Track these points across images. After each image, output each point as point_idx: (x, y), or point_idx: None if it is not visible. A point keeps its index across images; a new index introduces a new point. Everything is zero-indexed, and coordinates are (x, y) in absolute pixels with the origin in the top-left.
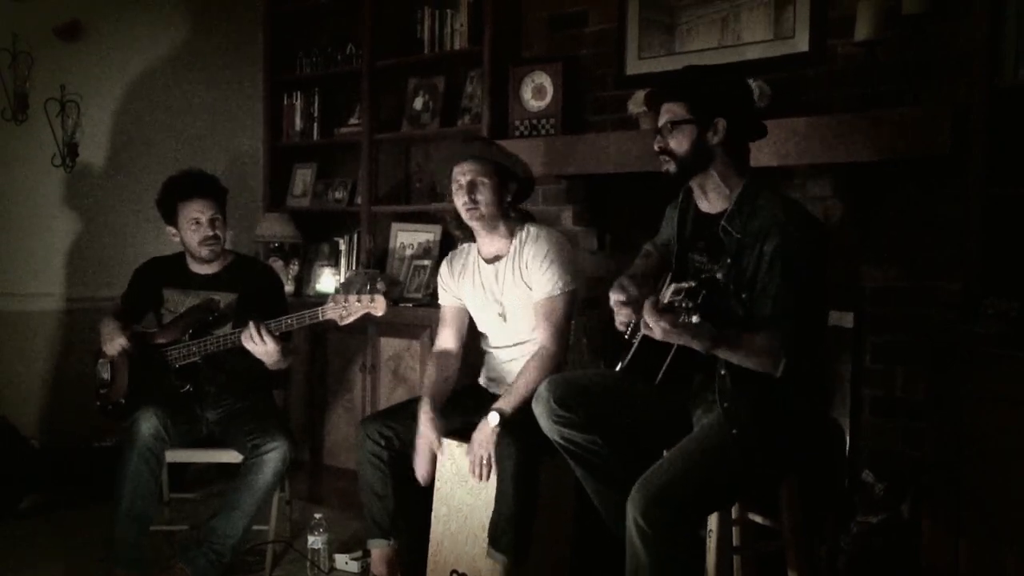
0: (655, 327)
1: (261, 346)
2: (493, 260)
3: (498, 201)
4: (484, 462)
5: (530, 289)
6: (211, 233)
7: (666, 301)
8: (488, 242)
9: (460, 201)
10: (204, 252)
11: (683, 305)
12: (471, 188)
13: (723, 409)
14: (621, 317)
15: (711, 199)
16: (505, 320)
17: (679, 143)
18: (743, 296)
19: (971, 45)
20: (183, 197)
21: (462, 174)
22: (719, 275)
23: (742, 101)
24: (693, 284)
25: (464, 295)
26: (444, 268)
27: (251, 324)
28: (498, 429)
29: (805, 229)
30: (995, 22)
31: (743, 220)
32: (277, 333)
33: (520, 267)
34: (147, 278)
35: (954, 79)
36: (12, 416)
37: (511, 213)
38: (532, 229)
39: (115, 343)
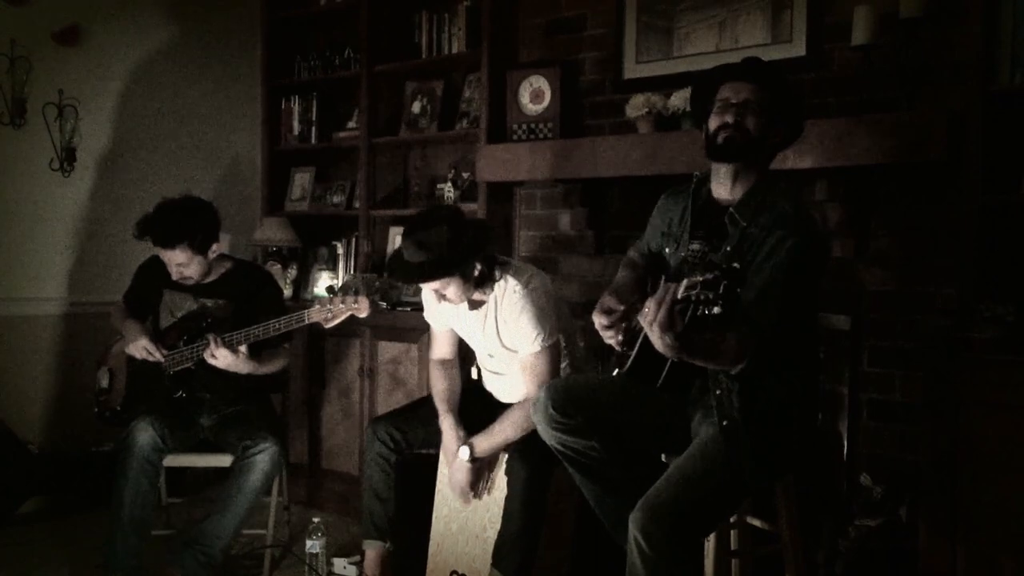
0: (660, 334)
1: (223, 360)
2: (474, 305)
3: (468, 288)
4: (464, 491)
5: (512, 347)
6: (175, 276)
7: (680, 296)
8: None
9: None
10: (183, 281)
11: (701, 297)
12: (440, 295)
13: (715, 401)
14: (608, 341)
15: (735, 188)
16: (493, 359)
17: (756, 125)
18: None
19: (967, 50)
20: (155, 244)
21: (426, 290)
22: (737, 264)
23: (799, 111)
24: (710, 276)
25: (452, 324)
26: (426, 297)
27: (210, 339)
28: (470, 464)
29: (812, 235)
30: (990, 26)
31: (752, 210)
32: (243, 345)
33: (500, 324)
34: (150, 275)
35: (951, 83)
36: (10, 421)
37: (484, 279)
38: (510, 282)
39: (139, 344)
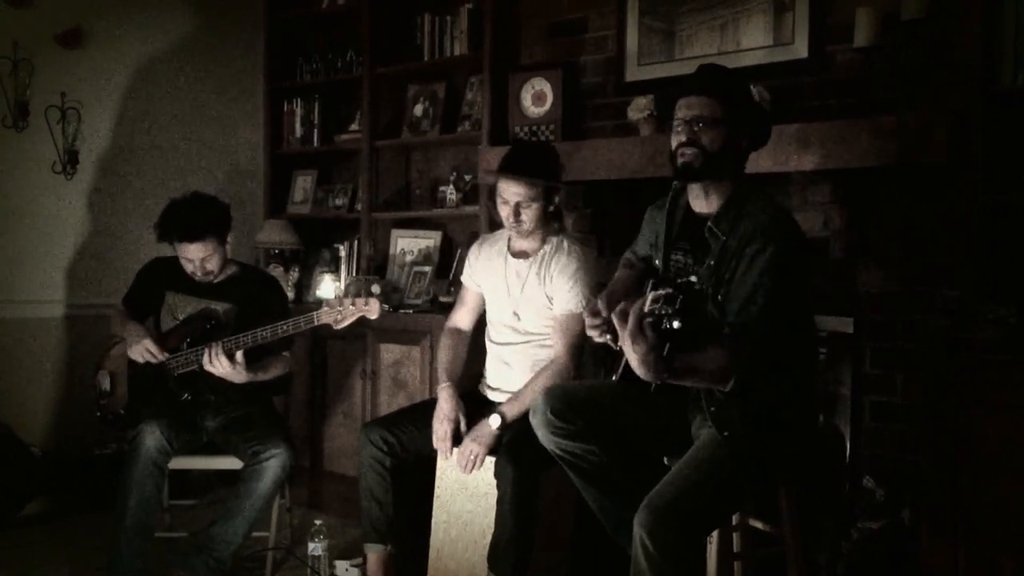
0: (631, 345)
1: (219, 368)
2: (519, 255)
3: (541, 217)
4: (474, 457)
5: (550, 300)
6: (199, 273)
7: (646, 309)
8: (520, 241)
9: (504, 214)
10: (197, 278)
11: (663, 312)
12: (517, 209)
13: (712, 417)
14: (596, 339)
15: (711, 200)
16: (519, 319)
17: (712, 140)
18: (719, 298)
19: (968, 51)
20: (176, 239)
21: (509, 193)
22: (694, 278)
23: (762, 112)
24: (670, 291)
25: (484, 283)
26: (474, 249)
27: (212, 344)
28: (497, 432)
29: (790, 239)
30: (991, 27)
31: (730, 222)
32: (240, 351)
33: (545, 276)
34: (152, 278)
35: (951, 84)
36: (13, 423)
37: (552, 222)
38: (565, 242)
39: (142, 346)
